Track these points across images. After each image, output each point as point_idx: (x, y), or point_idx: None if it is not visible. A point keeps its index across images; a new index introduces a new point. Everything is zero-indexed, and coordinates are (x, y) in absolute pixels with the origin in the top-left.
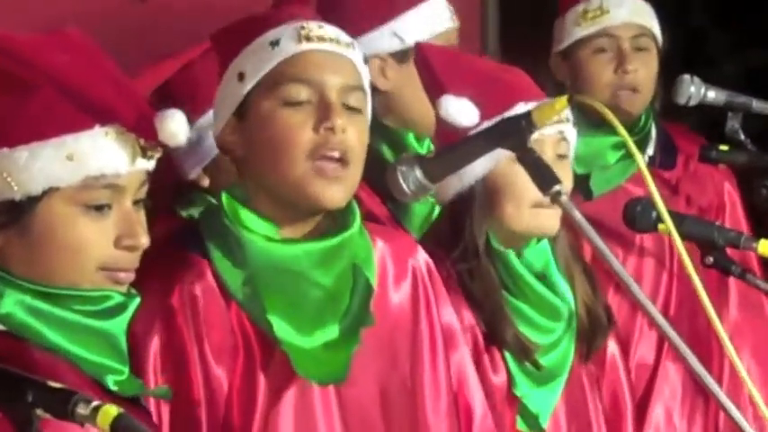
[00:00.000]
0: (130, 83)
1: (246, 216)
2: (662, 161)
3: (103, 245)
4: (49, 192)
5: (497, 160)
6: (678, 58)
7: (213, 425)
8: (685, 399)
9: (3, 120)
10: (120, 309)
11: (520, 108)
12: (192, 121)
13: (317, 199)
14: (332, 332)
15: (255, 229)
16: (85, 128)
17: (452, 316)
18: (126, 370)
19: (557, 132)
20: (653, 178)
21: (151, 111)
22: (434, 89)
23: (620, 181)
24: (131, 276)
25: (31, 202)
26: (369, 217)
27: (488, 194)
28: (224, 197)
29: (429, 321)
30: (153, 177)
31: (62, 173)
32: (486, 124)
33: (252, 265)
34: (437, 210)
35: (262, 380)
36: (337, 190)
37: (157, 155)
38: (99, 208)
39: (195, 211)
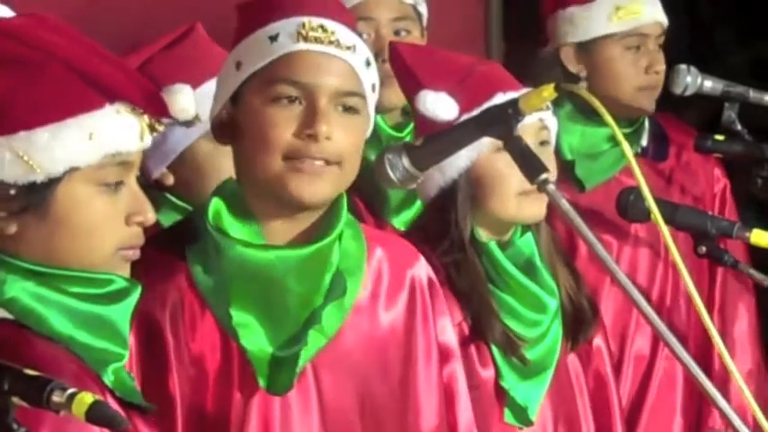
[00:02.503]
0: (125, 62)
1: (228, 220)
2: (655, 152)
3: (118, 223)
4: (69, 172)
5: (479, 152)
6: (684, 51)
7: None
8: (684, 390)
9: (17, 102)
10: (123, 294)
11: (498, 99)
12: None
13: (297, 195)
14: (293, 339)
15: (234, 233)
16: (98, 106)
17: (450, 331)
18: (126, 354)
19: (537, 120)
20: (647, 169)
21: (154, 86)
22: (411, 86)
23: (614, 172)
24: (138, 254)
25: (52, 183)
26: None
27: (472, 186)
28: (214, 200)
29: (425, 334)
30: None
31: (83, 152)
32: (466, 117)
33: (225, 270)
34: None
35: (236, 386)
36: (319, 186)
37: (161, 129)
38: (114, 186)
39: (162, 217)
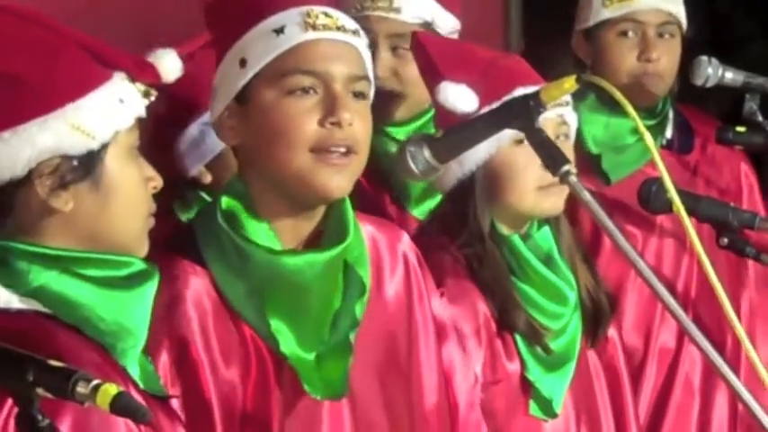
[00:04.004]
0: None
1: (250, 225)
2: (680, 144)
3: (146, 189)
4: (114, 137)
5: (498, 145)
6: (703, 42)
7: (228, 427)
8: (708, 383)
9: (55, 78)
10: (141, 277)
11: (519, 93)
12: (194, 117)
13: (322, 189)
14: (324, 343)
15: (258, 240)
16: (110, 77)
17: (441, 308)
18: (141, 340)
19: (556, 116)
20: (672, 162)
21: (139, 55)
22: (432, 77)
23: (640, 165)
24: (153, 222)
25: (103, 149)
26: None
27: (490, 179)
28: (224, 201)
29: (422, 309)
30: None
31: (121, 115)
32: (485, 110)
33: (255, 277)
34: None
35: (276, 393)
36: (342, 179)
37: (153, 97)
38: (137, 151)
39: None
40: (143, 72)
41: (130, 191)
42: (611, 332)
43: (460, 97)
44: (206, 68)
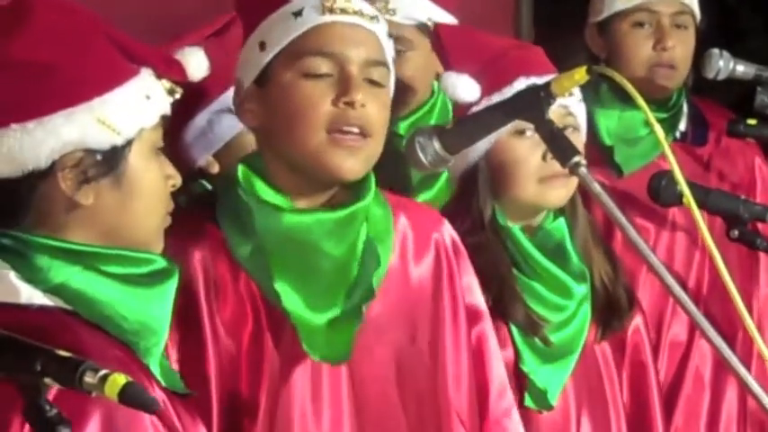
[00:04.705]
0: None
1: (260, 186)
2: (694, 137)
3: (166, 188)
4: (138, 134)
5: (498, 135)
6: (713, 34)
7: (223, 398)
8: (719, 377)
9: (84, 71)
10: (163, 275)
11: (520, 83)
12: (200, 107)
13: (336, 170)
14: (337, 309)
15: (267, 198)
16: (137, 72)
17: (477, 291)
18: (163, 337)
19: (560, 107)
20: (685, 155)
21: (169, 53)
22: (445, 67)
23: (653, 157)
24: (170, 220)
25: (127, 146)
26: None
27: (493, 171)
28: (240, 167)
29: (452, 296)
30: None
31: (146, 112)
32: (485, 101)
33: (261, 234)
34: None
35: (270, 351)
36: (356, 161)
37: (178, 95)
38: (159, 150)
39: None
40: (169, 69)
41: (151, 189)
42: (639, 325)
43: (461, 87)
44: (214, 59)
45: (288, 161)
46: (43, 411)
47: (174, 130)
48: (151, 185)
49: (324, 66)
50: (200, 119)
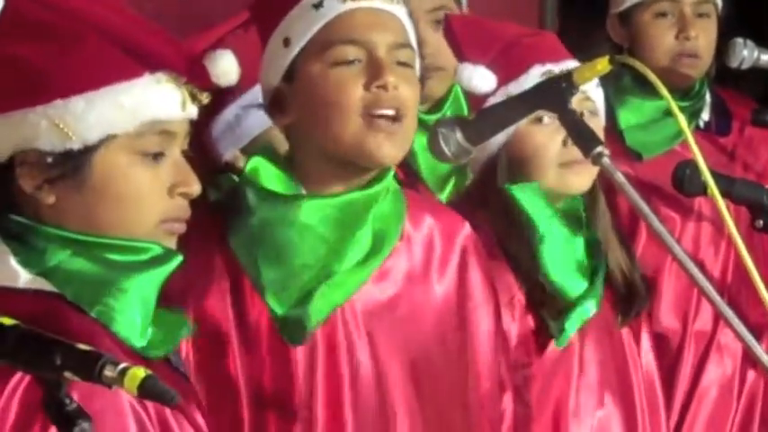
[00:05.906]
0: (167, 32)
1: (266, 175)
2: (717, 127)
3: (161, 194)
4: (105, 140)
5: (517, 125)
6: (735, 23)
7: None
8: (743, 366)
9: (53, 71)
10: (160, 261)
11: (536, 70)
12: (227, 101)
13: (373, 155)
14: (314, 289)
15: (267, 183)
16: (135, 76)
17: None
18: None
19: (579, 92)
20: (708, 144)
21: (198, 54)
22: (459, 58)
23: (673, 145)
24: (184, 227)
25: (89, 151)
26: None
27: (513, 160)
28: (255, 158)
29: (482, 297)
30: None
31: (118, 120)
32: (502, 91)
33: (254, 223)
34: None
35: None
36: (392, 146)
37: (205, 100)
38: (155, 156)
39: None
40: (191, 74)
41: (129, 196)
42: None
43: (477, 78)
44: (240, 53)
45: (324, 153)
46: (63, 405)
47: (201, 124)
48: (126, 191)
49: (351, 53)
50: (229, 113)
